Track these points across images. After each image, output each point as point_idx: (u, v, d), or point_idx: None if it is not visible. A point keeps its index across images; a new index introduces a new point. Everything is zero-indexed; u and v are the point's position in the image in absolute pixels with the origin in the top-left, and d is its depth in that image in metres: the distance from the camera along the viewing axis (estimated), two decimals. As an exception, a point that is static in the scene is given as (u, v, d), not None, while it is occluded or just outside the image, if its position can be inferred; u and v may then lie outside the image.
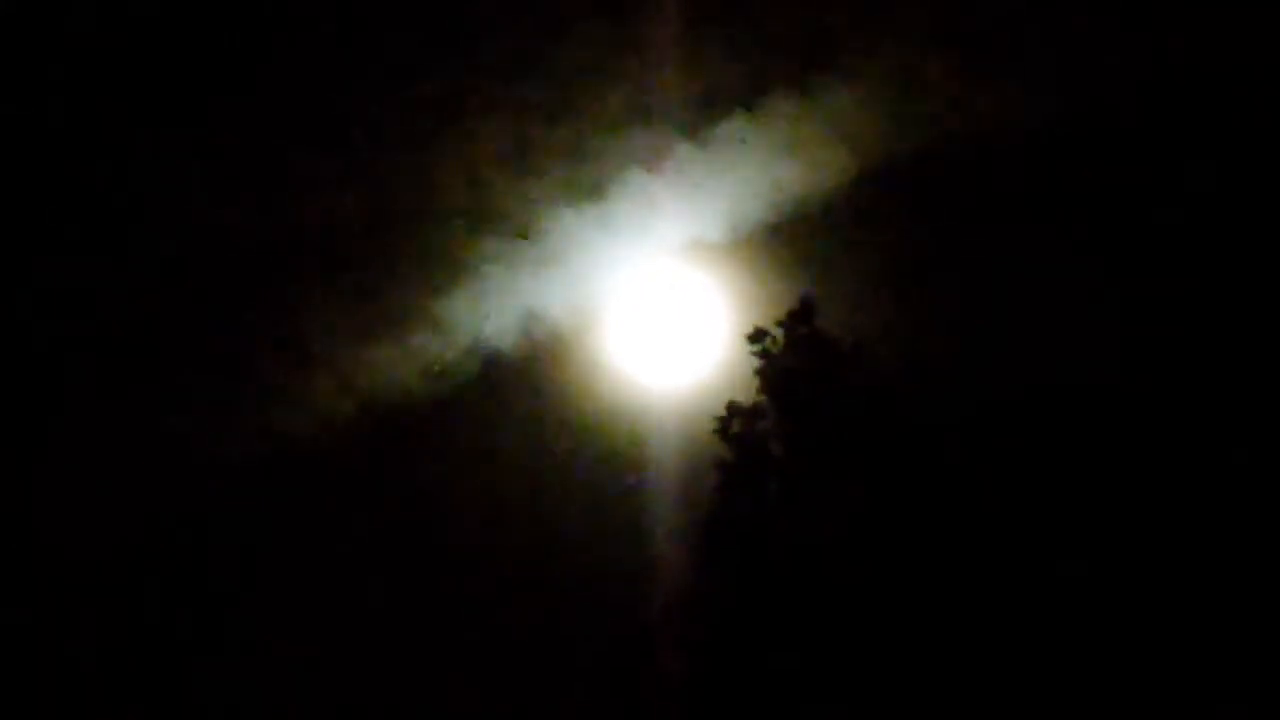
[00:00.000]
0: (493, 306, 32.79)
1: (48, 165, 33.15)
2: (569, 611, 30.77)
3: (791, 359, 28.67)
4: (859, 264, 31.77)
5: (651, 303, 32.92)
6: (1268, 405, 28.45)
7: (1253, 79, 31.49)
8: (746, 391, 29.22)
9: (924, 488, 28.00)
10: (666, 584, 29.43)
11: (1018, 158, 31.63)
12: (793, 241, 32.43)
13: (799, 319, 28.79)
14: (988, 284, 31.21)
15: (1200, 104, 31.63)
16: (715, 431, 28.78)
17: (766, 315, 29.37)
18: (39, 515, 32.06)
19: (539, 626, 31.07)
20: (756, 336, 28.89)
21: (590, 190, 32.94)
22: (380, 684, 31.18)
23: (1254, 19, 31.29)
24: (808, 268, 31.55)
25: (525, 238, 31.94)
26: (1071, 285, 30.75)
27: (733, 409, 28.85)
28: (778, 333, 28.92)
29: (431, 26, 33.04)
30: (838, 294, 30.16)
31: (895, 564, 27.71)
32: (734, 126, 32.78)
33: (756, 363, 29.20)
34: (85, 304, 33.10)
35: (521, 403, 32.70)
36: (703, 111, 32.90)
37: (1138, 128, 31.58)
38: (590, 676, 30.14)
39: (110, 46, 32.79)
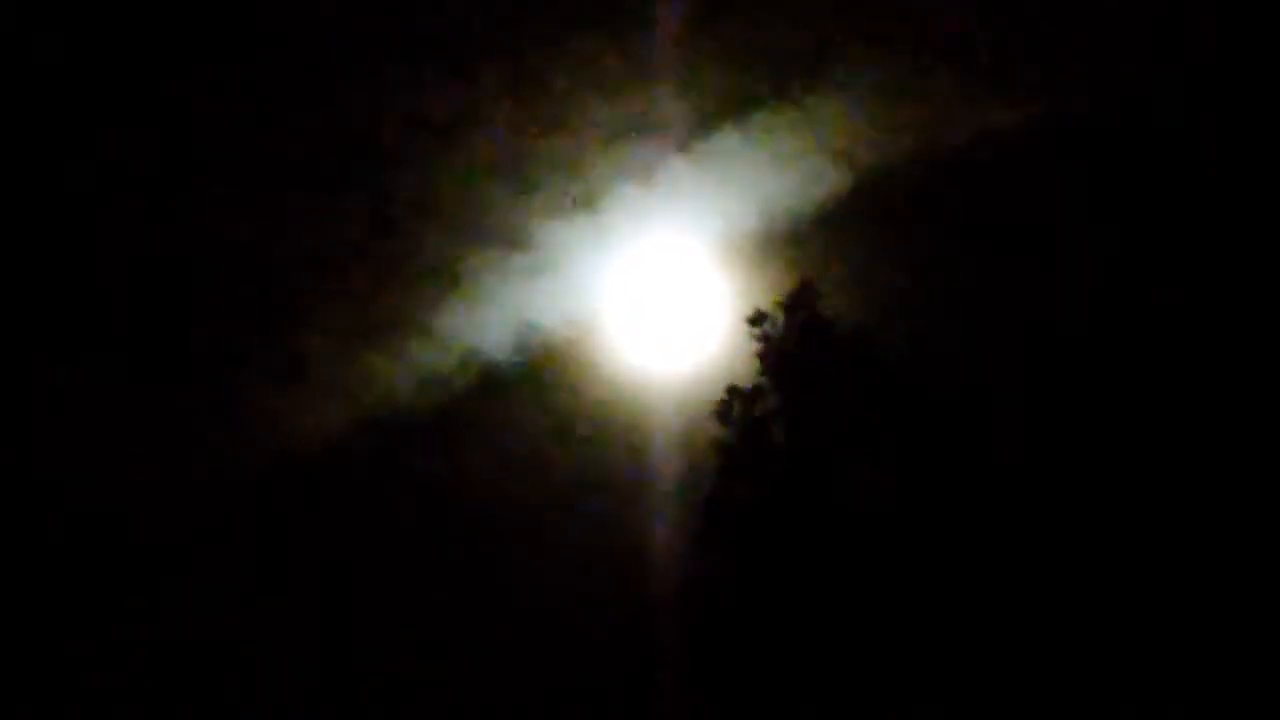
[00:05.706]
0: (488, 317, 33.01)
1: (47, 180, 33.40)
2: (570, 608, 30.72)
3: (792, 342, 28.92)
4: (850, 273, 32.09)
5: (645, 311, 33.20)
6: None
7: (1236, 93, 32.16)
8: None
9: (925, 468, 28.19)
10: (667, 575, 29.46)
11: (1006, 165, 32.17)
12: (784, 252, 32.78)
13: (799, 302, 29.10)
14: (979, 285, 31.55)
15: (1184, 116, 32.24)
16: (715, 415, 28.97)
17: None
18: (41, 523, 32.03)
19: (540, 625, 31.00)
20: (757, 319, 29.22)
21: (584, 202, 33.35)
22: (385, 684, 31.05)
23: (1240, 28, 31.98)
24: (799, 278, 31.77)
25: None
26: (1058, 285, 31.09)
27: (732, 392, 29.07)
28: (778, 316, 29.19)
29: (430, 42, 33.56)
30: (827, 305, 30.42)
31: (896, 544, 27.84)
32: (726, 140, 33.28)
33: (752, 357, 29.48)
34: (81, 314, 33.21)
35: (518, 411, 32.86)
36: (695, 125, 33.44)
37: (1121, 136, 32.16)
38: (594, 667, 30.11)
39: (112, 59, 33.14)
